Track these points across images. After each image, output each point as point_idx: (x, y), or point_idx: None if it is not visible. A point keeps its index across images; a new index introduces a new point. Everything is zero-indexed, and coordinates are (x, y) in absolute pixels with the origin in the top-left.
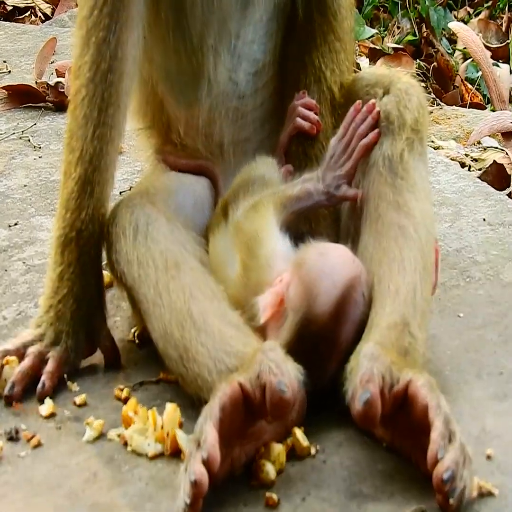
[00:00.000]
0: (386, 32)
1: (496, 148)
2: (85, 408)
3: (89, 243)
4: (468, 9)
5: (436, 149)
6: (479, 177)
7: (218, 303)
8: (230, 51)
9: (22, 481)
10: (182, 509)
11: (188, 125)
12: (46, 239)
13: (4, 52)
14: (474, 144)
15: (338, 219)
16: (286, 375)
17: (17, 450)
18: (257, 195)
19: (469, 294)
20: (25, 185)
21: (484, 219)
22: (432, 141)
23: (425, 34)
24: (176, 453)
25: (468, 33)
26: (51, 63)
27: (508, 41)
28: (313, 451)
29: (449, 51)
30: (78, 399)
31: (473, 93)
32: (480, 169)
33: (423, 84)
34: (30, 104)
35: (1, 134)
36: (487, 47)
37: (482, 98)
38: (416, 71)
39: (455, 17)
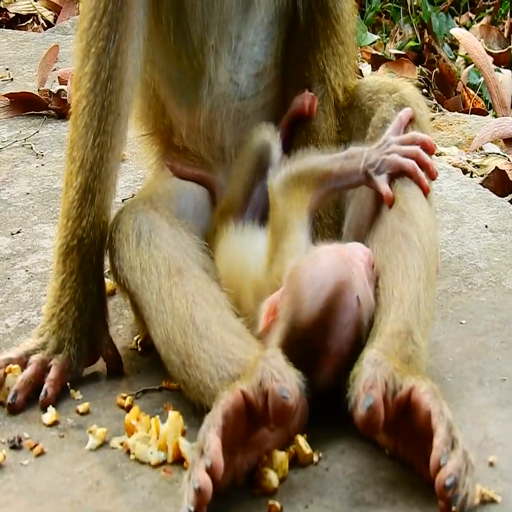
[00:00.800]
0: (388, 38)
1: (498, 154)
2: (88, 416)
3: (91, 251)
4: (470, 15)
5: (438, 156)
6: (481, 184)
7: (221, 310)
8: (231, 52)
9: (25, 489)
10: None
11: (190, 127)
12: (48, 247)
13: (6, 59)
14: (476, 151)
15: (341, 224)
16: (288, 381)
17: (20, 459)
18: (294, 166)
19: (471, 301)
20: (27, 193)
21: (486, 226)
22: None
23: (427, 40)
24: (179, 461)
25: (470, 39)
26: (54, 70)
27: (510, 46)
28: (315, 458)
29: (451, 57)
30: (81, 407)
31: (475, 99)
32: (482, 176)
33: (425, 90)
34: (33, 112)
35: (4, 141)
36: (489, 53)
37: (484, 104)
38: (418, 77)
39: (457, 23)
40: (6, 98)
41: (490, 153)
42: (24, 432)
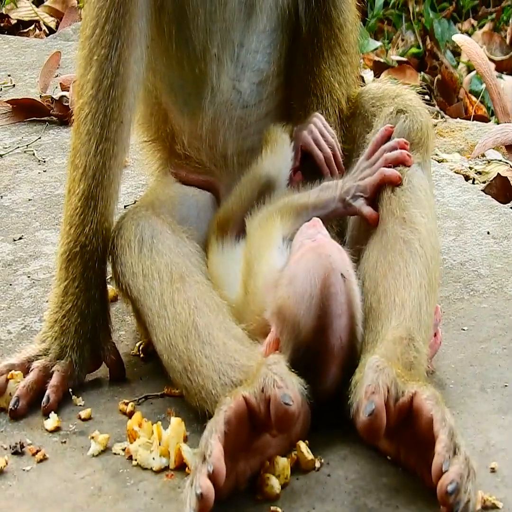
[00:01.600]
0: (390, 45)
1: (500, 161)
2: (90, 422)
3: (93, 258)
4: (472, 21)
5: (440, 162)
6: (483, 190)
7: (223, 316)
8: (233, 60)
9: (27, 495)
10: None
11: (192, 135)
12: (50, 253)
13: (8, 66)
14: (478, 157)
15: (343, 230)
16: (291, 388)
17: (22, 465)
18: (271, 205)
19: (473, 307)
20: (29, 199)
21: (488, 232)
22: (436, 154)
23: (429, 47)
24: (181, 467)
25: (472, 46)
26: (56, 76)
27: None
28: (317, 464)
29: (453, 64)
30: (83, 413)
31: (477, 105)
32: (484, 182)
33: (427, 97)
34: (35, 118)
35: (6, 148)
36: (491, 60)
37: (486, 110)
38: (420, 83)
39: (459, 29)
40: (8, 105)
41: (492, 160)
42: (26, 438)
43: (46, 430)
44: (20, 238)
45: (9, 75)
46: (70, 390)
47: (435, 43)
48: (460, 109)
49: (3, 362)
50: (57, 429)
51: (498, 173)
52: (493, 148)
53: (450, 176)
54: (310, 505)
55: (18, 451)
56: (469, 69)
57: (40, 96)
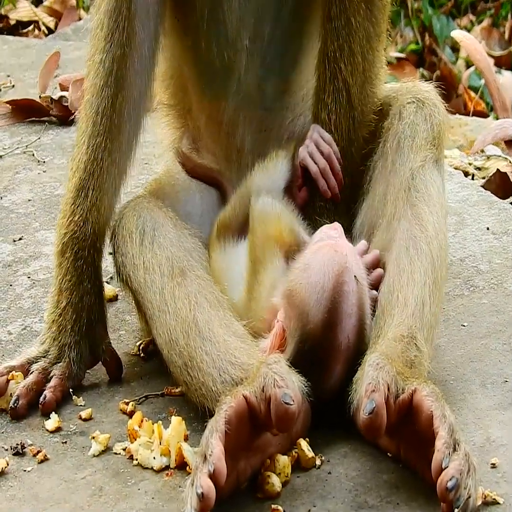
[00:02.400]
0: (389, 41)
1: (500, 156)
2: (91, 422)
3: (84, 247)
4: (471, 17)
5: None
6: (482, 186)
7: (224, 313)
8: (261, 55)
9: (28, 495)
10: None
11: (212, 118)
12: (50, 254)
13: (7, 66)
14: (478, 153)
15: (352, 220)
16: (291, 387)
17: (23, 465)
18: (275, 202)
19: (473, 303)
20: (29, 200)
21: (487, 228)
22: None
23: (428, 43)
24: (182, 466)
25: (471, 41)
26: (55, 77)
27: (511, 49)
28: (318, 462)
29: (452, 60)
30: (84, 414)
31: (476, 101)
32: (483, 178)
33: None
34: (34, 119)
35: (5, 148)
36: (490, 55)
37: (485, 106)
38: (420, 80)
39: (458, 25)
40: (8, 105)
41: (491, 156)
42: (27, 439)
43: (47, 430)
44: (20, 239)
45: (8, 76)
46: (71, 390)
47: (434, 39)
48: (459, 105)
49: (3, 364)
50: (57, 430)
51: (498, 169)
52: (493, 144)
53: (449, 172)
54: (310, 502)
55: (19, 452)
56: (468, 65)
57: (40, 96)
